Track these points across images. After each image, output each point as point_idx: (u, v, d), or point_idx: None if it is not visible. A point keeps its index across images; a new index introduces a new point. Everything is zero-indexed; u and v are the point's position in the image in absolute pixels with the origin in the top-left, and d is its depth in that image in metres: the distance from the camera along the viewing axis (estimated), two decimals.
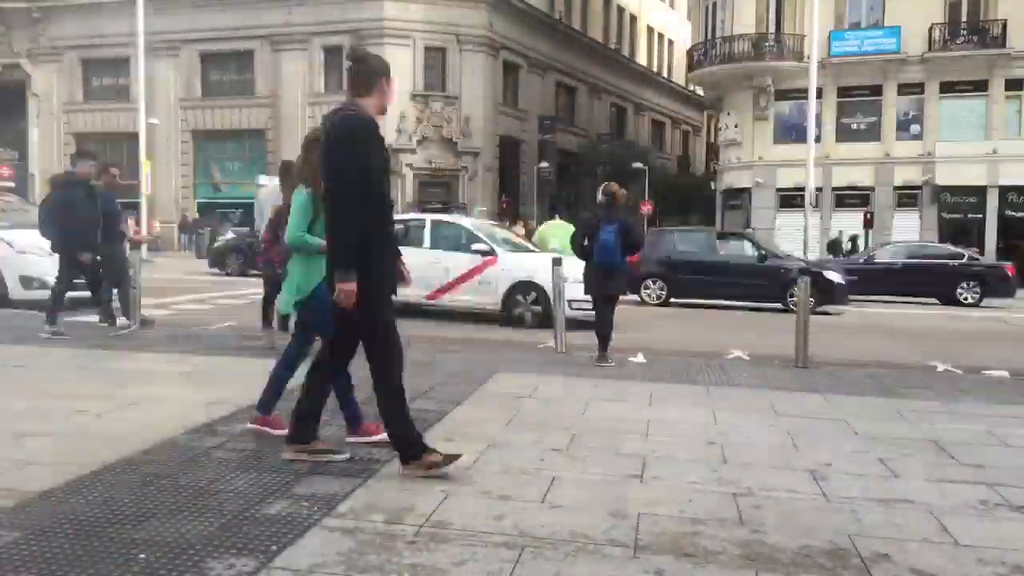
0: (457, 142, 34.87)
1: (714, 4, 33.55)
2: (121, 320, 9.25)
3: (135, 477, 3.81)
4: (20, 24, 37.79)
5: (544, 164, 37.79)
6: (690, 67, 35.45)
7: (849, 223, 29.61)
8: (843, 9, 30.52)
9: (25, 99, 38.25)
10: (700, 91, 43.38)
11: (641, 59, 50.00)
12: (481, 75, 35.33)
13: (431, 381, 6.41)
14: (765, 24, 31.26)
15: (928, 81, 29.93)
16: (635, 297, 16.02)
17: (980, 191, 29.48)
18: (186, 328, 9.76)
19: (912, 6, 29.29)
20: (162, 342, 8.32)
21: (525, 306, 11.52)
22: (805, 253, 22.66)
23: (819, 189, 28.11)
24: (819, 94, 27.49)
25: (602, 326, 8.02)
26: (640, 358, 8.19)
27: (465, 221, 13.63)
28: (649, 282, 16.59)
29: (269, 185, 10.05)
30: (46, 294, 11.10)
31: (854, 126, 31.01)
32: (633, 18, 49.35)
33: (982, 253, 25.12)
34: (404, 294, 9.47)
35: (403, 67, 33.89)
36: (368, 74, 3.93)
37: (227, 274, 21.11)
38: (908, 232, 29.88)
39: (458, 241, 12.26)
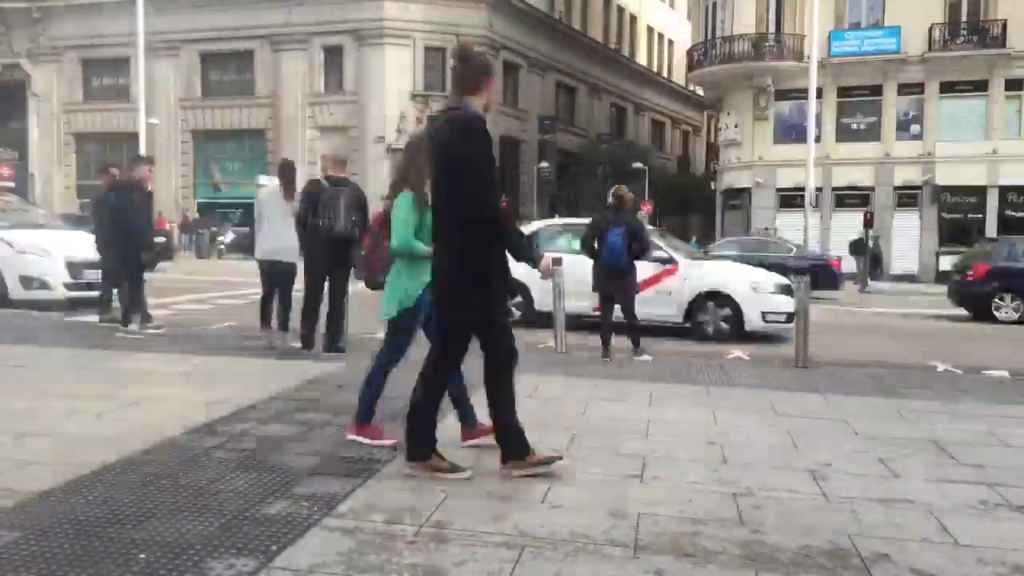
0: None
1: (714, 4, 33.55)
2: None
3: (135, 477, 3.81)
4: (20, 24, 37.76)
5: (544, 164, 37.78)
6: (690, 67, 35.45)
7: (849, 223, 29.59)
8: (843, 9, 30.51)
9: (25, 99, 38.23)
10: (700, 91, 43.37)
11: (641, 59, 49.97)
12: None
13: None
14: (765, 24, 31.26)
15: (928, 81, 29.92)
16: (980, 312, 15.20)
17: (980, 191, 29.47)
18: (186, 328, 9.76)
19: (912, 6, 29.28)
20: (162, 342, 8.32)
21: (713, 319, 10.75)
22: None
23: (819, 189, 28.14)
24: (819, 94, 27.52)
25: (605, 328, 8.35)
26: (645, 357, 8.20)
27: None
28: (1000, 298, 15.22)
29: (269, 185, 10.04)
30: (46, 294, 11.17)
31: (854, 126, 31.00)
32: (633, 18, 49.33)
33: None
34: (572, 306, 9.43)
35: (403, 67, 33.92)
36: (474, 73, 3.91)
37: None
38: (908, 232, 29.90)
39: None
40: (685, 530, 3.33)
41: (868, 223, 28.46)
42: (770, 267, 14.88)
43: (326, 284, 7.78)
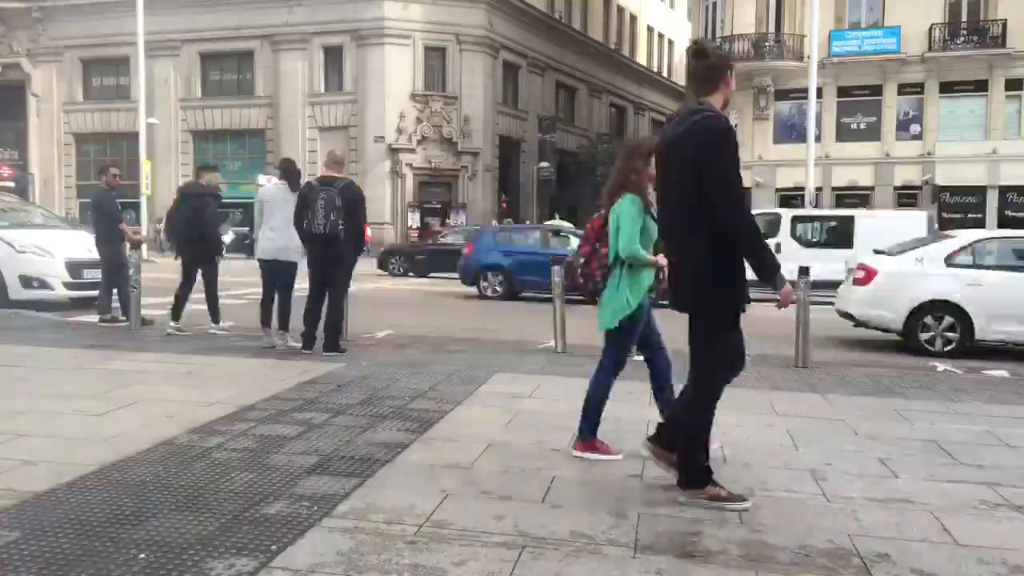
0: (457, 142, 34.84)
1: (714, 4, 33.56)
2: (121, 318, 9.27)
3: (135, 477, 3.81)
4: (20, 24, 37.74)
5: (544, 164, 37.75)
6: None
7: None
8: (843, 9, 30.50)
9: (25, 99, 38.20)
10: None
11: (641, 59, 49.97)
12: (481, 75, 35.30)
13: (432, 381, 6.41)
14: (765, 24, 31.27)
15: (928, 81, 29.94)
16: None
17: (980, 191, 29.49)
18: (186, 328, 9.74)
19: (912, 6, 29.29)
20: (162, 342, 8.32)
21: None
22: None
23: (819, 189, 28.08)
24: (819, 94, 27.46)
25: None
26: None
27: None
28: None
29: (269, 184, 10.05)
30: (46, 294, 11.17)
31: (854, 126, 31.01)
32: (633, 18, 49.32)
33: None
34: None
35: (403, 67, 33.90)
36: (714, 70, 3.70)
37: (391, 275, 22.57)
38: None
39: None
40: (685, 530, 3.34)
41: None
42: None
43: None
